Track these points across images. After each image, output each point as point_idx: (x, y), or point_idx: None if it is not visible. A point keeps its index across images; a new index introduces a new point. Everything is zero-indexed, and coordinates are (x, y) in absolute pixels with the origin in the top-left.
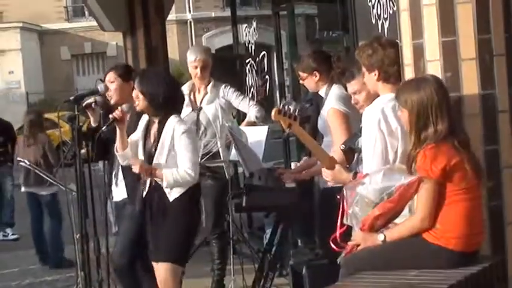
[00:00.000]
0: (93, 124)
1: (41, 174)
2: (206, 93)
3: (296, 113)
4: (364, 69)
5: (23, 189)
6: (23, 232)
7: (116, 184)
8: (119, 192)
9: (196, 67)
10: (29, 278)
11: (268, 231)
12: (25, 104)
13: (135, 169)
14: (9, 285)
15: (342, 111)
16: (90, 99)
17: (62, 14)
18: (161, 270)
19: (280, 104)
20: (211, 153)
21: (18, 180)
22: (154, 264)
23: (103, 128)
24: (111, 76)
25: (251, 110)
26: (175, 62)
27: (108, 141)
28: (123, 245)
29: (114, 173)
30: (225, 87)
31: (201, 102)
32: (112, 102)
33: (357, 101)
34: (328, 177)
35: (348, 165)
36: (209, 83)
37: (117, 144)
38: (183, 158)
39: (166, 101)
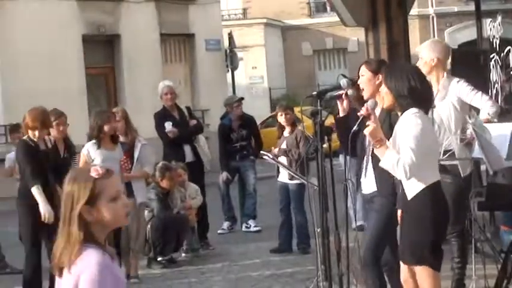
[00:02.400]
0: (341, 114)
1: (283, 168)
2: (438, 91)
3: None
4: None
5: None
6: (265, 224)
7: (365, 176)
8: (368, 184)
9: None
10: (271, 269)
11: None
12: (268, 99)
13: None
14: (250, 276)
15: None
16: (341, 91)
17: (305, 9)
18: (417, 272)
19: None
20: (450, 151)
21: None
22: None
23: (354, 128)
24: (362, 69)
25: (485, 106)
26: (417, 58)
27: (356, 136)
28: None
29: (364, 166)
30: (457, 82)
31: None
32: (365, 97)
33: None
34: None
35: None
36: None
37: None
38: (405, 151)
39: (412, 95)
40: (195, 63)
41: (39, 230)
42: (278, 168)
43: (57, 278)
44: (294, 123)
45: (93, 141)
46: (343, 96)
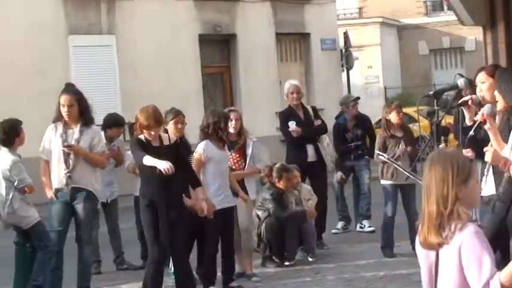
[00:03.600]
0: (468, 122)
1: (399, 168)
2: None
3: None
4: None
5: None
6: (379, 224)
7: (486, 180)
8: (487, 187)
9: None
10: (385, 270)
11: None
12: (383, 99)
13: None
14: (364, 277)
15: None
16: (466, 97)
17: (421, 8)
18: None
19: None
20: None
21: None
22: None
23: (470, 133)
24: (482, 77)
25: None
26: None
27: (482, 142)
28: None
29: (484, 170)
30: None
31: None
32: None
33: None
34: None
35: None
36: None
37: (495, 144)
38: None
39: None
40: (311, 63)
41: (159, 226)
42: (383, 169)
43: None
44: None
45: (207, 140)
46: (470, 102)
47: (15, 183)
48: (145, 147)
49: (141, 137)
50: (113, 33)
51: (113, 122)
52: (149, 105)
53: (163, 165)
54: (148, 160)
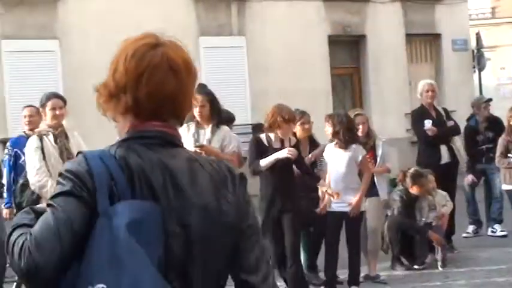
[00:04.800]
0: None
1: None
2: None
3: None
4: None
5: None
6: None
7: None
8: None
9: None
10: None
11: None
12: None
13: None
14: (496, 282)
15: None
16: None
17: None
18: None
19: None
20: None
21: None
22: None
23: None
24: None
25: None
26: None
27: None
28: None
29: None
30: None
31: None
32: None
33: None
34: None
35: None
36: None
37: None
38: None
39: None
40: (441, 64)
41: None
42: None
43: None
44: None
45: (334, 141)
46: None
47: None
48: (264, 149)
49: (263, 136)
50: (243, 35)
51: (225, 118)
52: (279, 104)
53: (285, 153)
54: (265, 161)
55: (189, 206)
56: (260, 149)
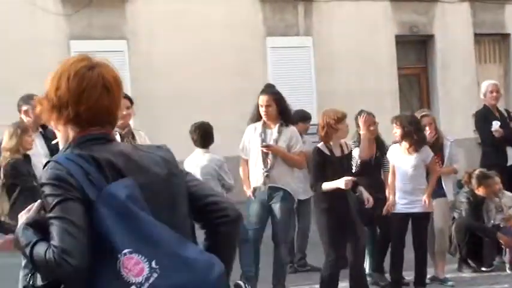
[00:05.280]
0: None
1: None
2: None
3: None
4: None
5: None
6: None
7: None
8: None
9: None
10: None
11: None
12: None
13: None
14: None
15: None
16: None
17: None
18: None
19: None
20: None
21: None
22: None
23: None
24: None
25: None
26: None
27: None
28: None
29: None
30: None
31: None
32: None
33: None
34: None
35: None
36: None
37: None
38: None
39: None
40: (510, 64)
41: (339, 231)
42: None
43: None
44: None
45: (402, 143)
46: None
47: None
48: (327, 158)
49: (321, 146)
50: (310, 35)
51: (300, 117)
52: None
53: (343, 184)
54: (327, 185)
55: (150, 177)
56: (323, 159)
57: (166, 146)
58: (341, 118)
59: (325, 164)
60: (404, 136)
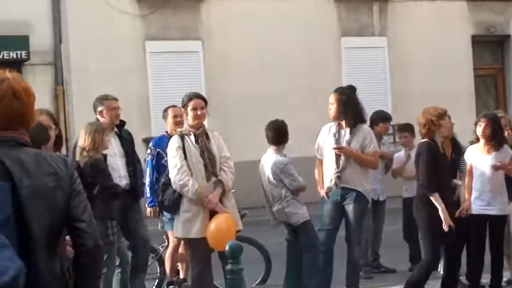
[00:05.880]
0: None
1: None
2: None
3: None
4: None
5: None
6: None
7: None
8: None
9: None
10: None
11: None
12: None
13: None
14: None
15: None
16: None
17: None
18: None
19: None
20: None
21: None
22: None
23: None
24: None
25: None
26: None
27: None
28: None
29: None
30: None
31: None
32: None
33: None
34: None
35: None
36: None
37: None
38: None
39: None
40: None
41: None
42: None
43: None
44: None
45: (483, 143)
46: None
47: (287, 184)
48: (437, 156)
49: (427, 143)
50: (385, 35)
51: (379, 118)
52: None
53: (445, 227)
54: (436, 202)
55: (36, 183)
56: (434, 154)
57: (72, 160)
58: (442, 114)
59: (436, 161)
60: (492, 135)
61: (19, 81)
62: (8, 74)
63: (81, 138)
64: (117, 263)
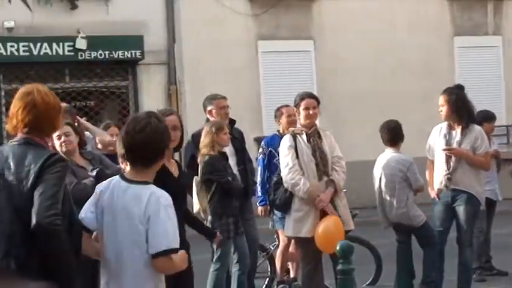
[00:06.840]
0: None
1: None
2: None
3: None
4: None
5: None
6: None
7: None
8: None
9: None
10: None
11: None
12: None
13: None
14: None
15: None
16: None
17: None
18: None
19: None
20: None
21: None
22: None
23: None
24: None
25: None
26: None
27: None
28: None
29: None
30: None
31: None
32: None
33: None
34: None
35: None
36: None
37: None
38: None
39: None
40: None
41: None
42: None
43: None
44: None
45: None
46: None
47: (412, 182)
48: None
49: None
50: (499, 34)
51: (483, 117)
52: None
53: None
54: None
55: (10, 172)
56: None
57: (56, 155)
58: None
59: None
60: None
61: (43, 96)
62: (36, 88)
63: (202, 137)
64: (235, 260)
